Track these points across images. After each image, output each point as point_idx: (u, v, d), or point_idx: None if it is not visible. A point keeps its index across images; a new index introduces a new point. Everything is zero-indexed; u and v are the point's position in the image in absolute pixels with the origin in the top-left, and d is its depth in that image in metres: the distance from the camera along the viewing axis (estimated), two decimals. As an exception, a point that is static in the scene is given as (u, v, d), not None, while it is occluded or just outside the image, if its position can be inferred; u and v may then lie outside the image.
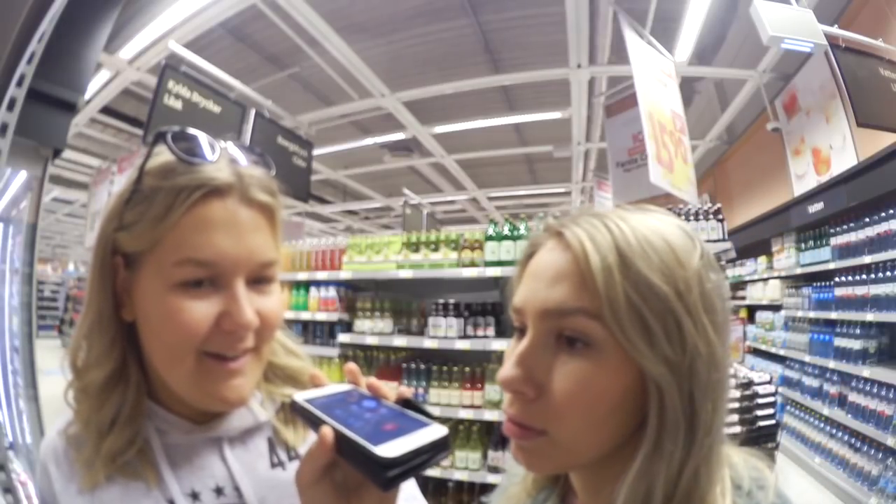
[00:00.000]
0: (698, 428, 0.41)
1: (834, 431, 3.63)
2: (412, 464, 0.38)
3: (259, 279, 0.55)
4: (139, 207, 0.52)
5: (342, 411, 0.43)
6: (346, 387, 0.49)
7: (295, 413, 0.45)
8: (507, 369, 0.46)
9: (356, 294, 3.03)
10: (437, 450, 0.40)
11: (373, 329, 2.82)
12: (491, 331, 2.61)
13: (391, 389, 0.48)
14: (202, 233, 0.51)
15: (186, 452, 0.59)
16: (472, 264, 2.62)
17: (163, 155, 0.54)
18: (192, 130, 0.55)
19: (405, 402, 0.46)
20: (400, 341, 2.73)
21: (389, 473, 0.37)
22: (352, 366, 0.50)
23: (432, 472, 2.56)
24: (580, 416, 0.43)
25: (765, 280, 5.24)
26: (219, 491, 0.58)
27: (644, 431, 0.42)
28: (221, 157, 0.55)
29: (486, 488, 2.56)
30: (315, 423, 0.42)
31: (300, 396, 0.45)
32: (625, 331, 0.41)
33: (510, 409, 0.46)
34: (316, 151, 5.08)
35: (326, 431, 0.40)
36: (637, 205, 0.50)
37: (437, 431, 0.41)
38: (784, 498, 0.43)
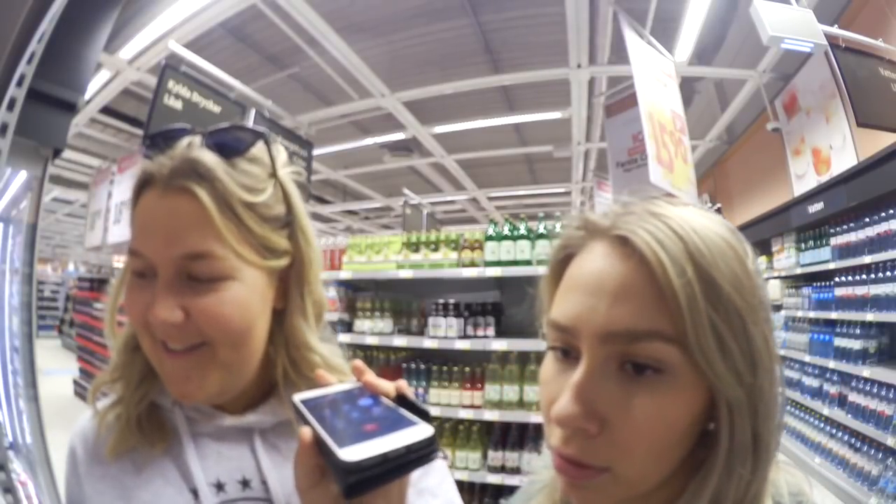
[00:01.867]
0: (762, 448, 0.38)
1: (834, 431, 3.62)
2: (384, 468, 0.35)
3: (193, 274, 0.51)
4: None
5: (332, 411, 0.41)
6: (349, 386, 0.47)
7: (294, 413, 0.44)
8: (565, 405, 0.38)
9: (356, 294, 3.03)
10: (418, 452, 0.37)
11: (373, 329, 2.82)
12: (491, 331, 2.61)
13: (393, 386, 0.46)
14: (135, 225, 0.53)
15: (215, 442, 0.58)
16: (472, 264, 2.62)
17: None
18: (170, 126, 0.55)
19: (401, 399, 0.44)
20: (400, 341, 2.73)
21: (350, 479, 0.34)
22: (358, 362, 0.48)
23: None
24: (650, 448, 0.38)
25: (765, 280, 5.23)
26: (245, 483, 0.57)
27: (706, 452, 0.39)
28: (183, 146, 0.54)
29: (486, 488, 2.56)
30: (304, 423, 0.41)
31: (298, 396, 0.44)
32: (707, 355, 0.36)
33: (566, 448, 0.40)
34: (316, 151, 5.08)
35: (304, 432, 0.39)
36: (669, 198, 0.44)
37: (419, 433, 0.38)
38: None
